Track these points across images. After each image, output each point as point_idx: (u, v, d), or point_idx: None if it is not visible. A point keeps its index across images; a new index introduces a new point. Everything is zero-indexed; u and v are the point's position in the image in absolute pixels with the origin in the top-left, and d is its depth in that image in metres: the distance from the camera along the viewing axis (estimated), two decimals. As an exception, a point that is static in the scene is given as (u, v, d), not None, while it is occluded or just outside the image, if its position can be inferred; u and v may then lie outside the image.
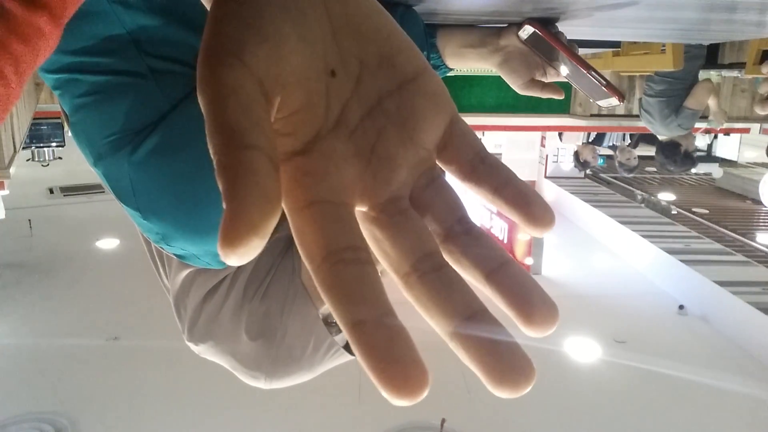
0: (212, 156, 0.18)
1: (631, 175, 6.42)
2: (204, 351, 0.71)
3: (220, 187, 0.17)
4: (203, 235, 0.60)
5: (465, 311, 0.20)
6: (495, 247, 0.21)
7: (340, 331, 0.68)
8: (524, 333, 0.21)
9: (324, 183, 0.21)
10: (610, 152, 7.80)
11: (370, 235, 0.22)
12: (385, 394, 0.17)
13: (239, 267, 0.69)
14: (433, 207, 0.23)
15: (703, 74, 3.61)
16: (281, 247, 0.71)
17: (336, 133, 0.22)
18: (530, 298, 0.20)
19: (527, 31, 0.78)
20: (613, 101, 0.78)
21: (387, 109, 0.23)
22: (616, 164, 5.73)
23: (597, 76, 0.76)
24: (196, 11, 0.59)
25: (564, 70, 0.78)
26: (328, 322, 0.69)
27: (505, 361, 0.19)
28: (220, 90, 0.19)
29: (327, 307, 0.57)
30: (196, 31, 0.59)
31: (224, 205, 0.17)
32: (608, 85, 0.76)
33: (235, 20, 0.21)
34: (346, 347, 0.69)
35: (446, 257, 0.21)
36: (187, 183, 0.57)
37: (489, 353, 0.19)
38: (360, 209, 0.22)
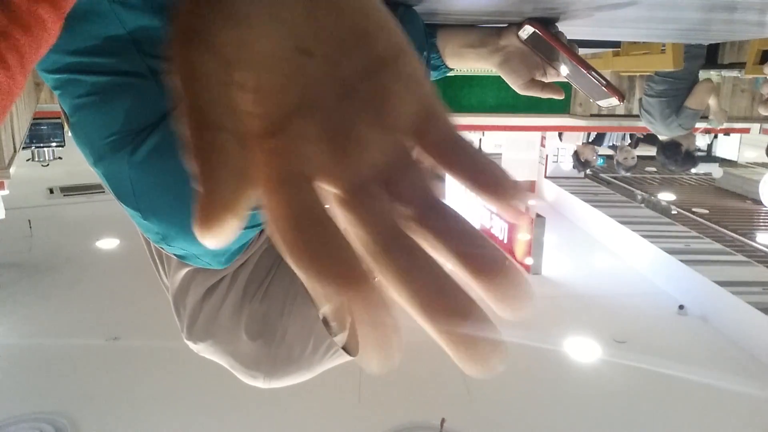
0: (184, 137, 0.18)
1: (628, 174, 6.43)
2: (203, 350, 0.71)
3: (193, 168, 0.18)
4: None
5: (435, 290, 0.19)
6: (467, 228, 0.21)
7: (339, 331, 0.69)
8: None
9: (293, 164, 0.21)
10: (610, 152, 7.80)
11: (341, 217, 0.22)
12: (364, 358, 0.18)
13: (240, 267, 0.69)
14: (405, 190, 0.22)
15: (703, 74, 3.61)
16: None
17: (308, 115, 0.22)
18: (498, 275, 0.20)
19: (527, 31, 0.78)
20: (613, 101, 0.77)
21: (361, 91, 0.23)
22: (615, 163, 5.75)
23: (597, 76, 0.76)
24: None
25: (564, 70, 0.78)
26: (327, 322, 0.69)
27: (475, 339, 0.19)
28: (191, 73, 0.19)
29: (327, 308, 0.59)
30: None
31: (197, 187, 0.17)
32: (608, 85, 0.76)
33: (205, 1, 0.21)
34: (345, 347, 0.70)
35: (418, 239, 0.21)
36: (187, 183, 0.56)
37: (458, 331, 0.19)
38: (331, 191, 0.22)
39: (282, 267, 0.69)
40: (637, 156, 5.75)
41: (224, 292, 0.68)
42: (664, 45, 2.95)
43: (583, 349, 5.36)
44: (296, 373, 0.69)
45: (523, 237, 7.65)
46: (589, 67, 0.76)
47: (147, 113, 0.57)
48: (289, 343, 0.67)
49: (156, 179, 0.57)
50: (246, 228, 0.62)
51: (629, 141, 7.26)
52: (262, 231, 0.69)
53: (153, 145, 0.56)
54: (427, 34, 0.84)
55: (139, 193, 0.58)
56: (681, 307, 6.36)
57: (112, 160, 0.58)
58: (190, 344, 0.71)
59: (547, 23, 0.78)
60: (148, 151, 0.56)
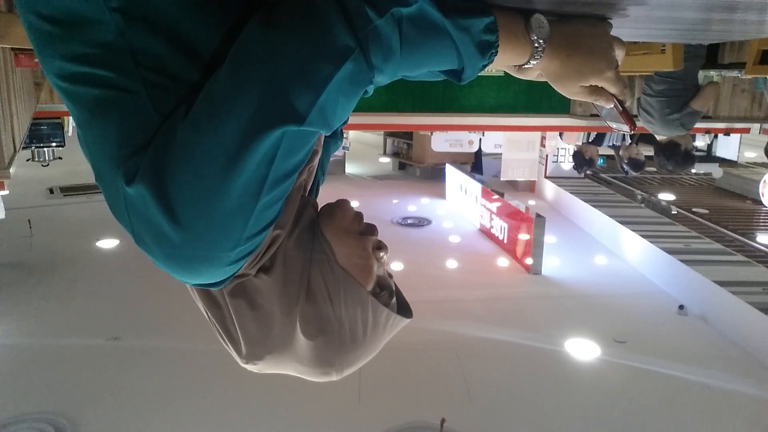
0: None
1: (637, 174, 6.32)
2: (264, 367, 0.70)
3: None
4: (187, 275, 0.60)
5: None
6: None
7: (389, 299, 0.71)
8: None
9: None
10: (610, 152, 7.77)
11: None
12: None
13: (270, 275, 0.66)
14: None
15: (703, 74, 3.60)
16: (306, 238, 0.69)
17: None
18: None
19: None
20: (624, 128, 0.74)
21: None
22: (624, 164, 5.52)
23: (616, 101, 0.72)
24: (194, 31, 0.58)
25: None
26: (375, 293, 0.70)
27: None
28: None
29: (373, 283, 0.69)
30: (193, 46, 0.58)
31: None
32: (624, 112, 0.72)
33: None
34: (399, 311, 0.71)
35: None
36: (176, 219, 0.54)
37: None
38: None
39: (316, 260, 0.68)
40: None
41: (268, 305, 0.66)
42: (664, 45, 2.94)
43: (583, 349, 5.37)
44: (366, 353, 0.71)
45: (523, 237, 7.65)
46: None
47: (140, 132, 0.56)
48: (351, 329, 0.67)
49: (147, 211, 0.55)
50: (232, 262, 0.59)
51: (630, 141, 7.24)
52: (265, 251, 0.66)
53: (145, 168, 0.55)
54: None
55: (132, 216, 0.57)
56: (681, 307, 6.36)
57: (109, 178, 0.59)
58: (250, 366, 0.70)
59: None
60: (139, 174, 0.55)
